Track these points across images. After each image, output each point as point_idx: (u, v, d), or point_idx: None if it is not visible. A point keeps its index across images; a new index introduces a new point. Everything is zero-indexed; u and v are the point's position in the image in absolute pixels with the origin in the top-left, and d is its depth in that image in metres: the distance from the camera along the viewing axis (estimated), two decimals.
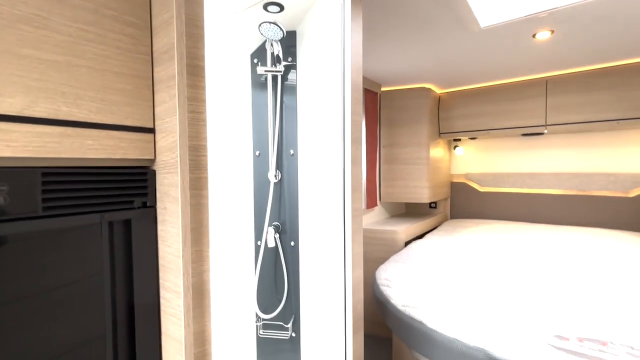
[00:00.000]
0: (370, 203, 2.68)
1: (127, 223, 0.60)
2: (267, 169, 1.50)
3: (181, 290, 0.59)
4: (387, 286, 1.65)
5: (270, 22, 1.16)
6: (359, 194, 1.23)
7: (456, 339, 1.15)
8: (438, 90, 2.88)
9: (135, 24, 0.59)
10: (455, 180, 3.20)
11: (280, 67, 1.38)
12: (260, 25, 1.15)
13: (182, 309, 0.59)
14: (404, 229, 2.48)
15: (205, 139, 0.63)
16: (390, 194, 2.85)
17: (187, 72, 0.59)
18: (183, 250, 0.58)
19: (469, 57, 2.08)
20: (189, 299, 0.60)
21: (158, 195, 0.63)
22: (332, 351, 1.17)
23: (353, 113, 1.14)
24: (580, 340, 1.10)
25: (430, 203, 3.10)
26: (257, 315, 1.30)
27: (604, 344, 1.09)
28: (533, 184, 2.81)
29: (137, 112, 0.60)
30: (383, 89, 2.81)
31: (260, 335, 1.44)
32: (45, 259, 0.51)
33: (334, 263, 1.21)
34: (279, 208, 1.45)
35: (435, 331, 1.23)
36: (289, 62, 1.37)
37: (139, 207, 0.61)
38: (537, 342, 1.08)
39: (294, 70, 1.40)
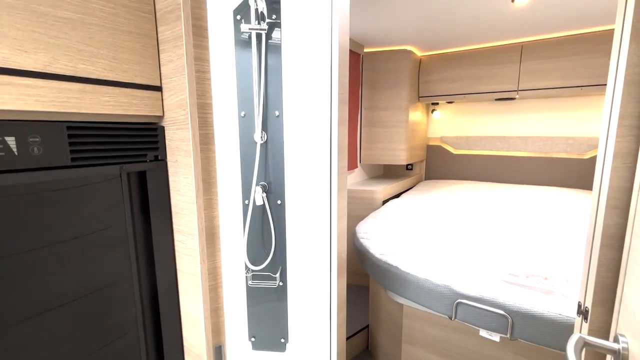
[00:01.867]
0: (351, 165, 2.80)
1: (142, 175, 0.67)
2: (252, 130, 1.55)
3: (196, 232, 0.68)
4: (366, 238, 1.82)
5: None
6: (344, 154, 1.33)
7: (426, 279, 1.33)
8: (419, 53, 2.93)
9: None
10: (431, 143, 3.37)
11: (264, 25, 1.39)
12: None
13: (197, 248, 0.68)
14: (381, 189, 2.64)
15: (210, 97, 0.69)
16: (370, 156, 2.98)
17: (192, 32, 0.63)
18: (197, 198, 0.66)
19: (450, 20, 2.13)
20: (203, 240, 0.69)
21: (168, 149, 0.69)
22: (317, 295, 1.34)
23: (340, 75, 1.19)
24: (527, 276, 1.32)
25: (406, 165, 3.27)
26: (246, 266, 1.43)
27: (545, 278, 1.30)
28: (502, 146, 3.02)
29: (145, 70, 0.64)
30: (365, 50, 2.82)
31: (250, 285, 1.58)
32: (75, 205, 0.58)
33: (320, 217, 1.33)
34: (265, 168, 1.53)
35: (408, 274, 1.42)
36: (273, 19, 1.39)
37: (151, 161, 0.68)
38: (493, 279, 1.29)
39: (279, 29, 1.42)
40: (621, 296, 0.72)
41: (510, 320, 1.12)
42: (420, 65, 2.97)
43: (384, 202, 2.71)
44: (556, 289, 1.19)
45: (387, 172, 3.50)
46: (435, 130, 3.36)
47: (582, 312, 0.87)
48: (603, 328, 0.80)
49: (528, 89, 2.54)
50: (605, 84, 2.30)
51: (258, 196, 1.58)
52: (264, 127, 1.64)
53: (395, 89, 2.80)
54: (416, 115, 3.01)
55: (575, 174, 2.76)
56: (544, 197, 2.46)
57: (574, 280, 1.24)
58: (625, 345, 0.53)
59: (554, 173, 2.86)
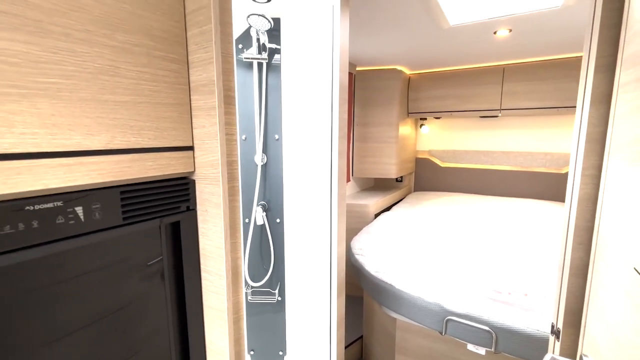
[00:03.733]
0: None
1: (177, 224, 0.77)
2: (253, 153, 1.66)
3: (224, 273, 0.78)
4: (361, 254, 1.95)
5: (258, 15, 1.28)
6: (344, 181, 1.45)
7: (419, 297, 1.47)
8: (408, 72, 3.09)
9: (177, 60, 0.72)
10: (419, 156, 3.54)
11: (265, 55, 1.49)
12: (248, 16, 1.26)
13: (224, 287, 0.79)
14: (373, 202, 2.78)
15: (236, 155, 0.79)
16: (362, 170, 3.12)
17: (224, 102, 0.74)
18: (225, 243, 0.77)
19: (437, 47, 2.29)
20: (229, 280, 0.80)
21: (198, 200, 0.79)
22: (315, 310, 1.45)
23: (341, 111, 1.31)
24: (509, 292, 1.47)
25: (396, 177, 3.42)
26: (246, 282, 1.53)
27: (525, 294, 1.46)
28: (486, 160, 3.21)
29: (181, 134, 0.74)
30: (357, 68, 2.96)
31: (250, 301, 1.68)
32: (126, 253, 0.67)
33: (320, 238, 1.45)
34: (264, 188, 1.64)
35: (402, 291, 1.55)
36: (273, 47, 1.49)
37: (183, 211, 0.78)
38: (479, 296, 1.43)
39: (279, 55, 1.53)
40: (585, 321, 0.87)
41: (494, 335, 1.26)
42: (409, 83, 3.13)
43: (376, 215, 2.85)
44: (535, 306, 1.34)
45: (378, 184, 3.65)
46: (423, 144, 3.54)
47: (555, 332, 1.02)
48: (572, 347, 0.95)
49: (509, 108, 2.74)
50: (574, 106, 2.51)
51: (259, 216, 1.69)
52: (264, 150, 1.76)
53: (386, 106, 2.95)
54: (405, 129, 3.17)
55: (553, 187, 2.98)
56: (525, 209, 2.66)
57: (551, 296, 1.40)
58: None
59: (533, 186, 3.07)
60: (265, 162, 1.72)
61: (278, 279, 1.77)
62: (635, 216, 0.58)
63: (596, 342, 0.76)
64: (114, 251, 0.66)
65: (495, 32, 1.97)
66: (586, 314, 0.85)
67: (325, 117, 1.38)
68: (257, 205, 1.66)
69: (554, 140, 2.94)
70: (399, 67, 2.93)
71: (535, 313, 1.30)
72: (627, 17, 0.68)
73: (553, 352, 0.99)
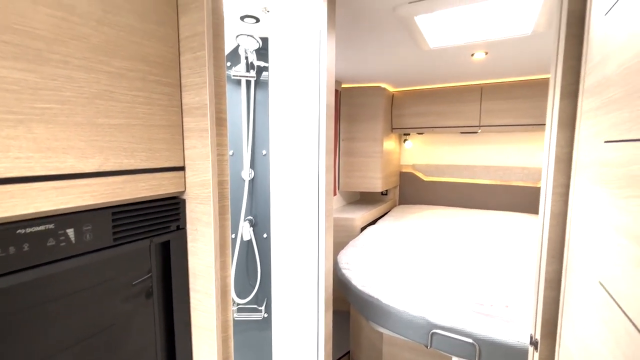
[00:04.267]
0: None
1: (167, 243, 0.78)
2: (240, 168, 1.67)
3: (213, 292, 0.79)
4: (348, 269, 1.97)
5: (247, 35, 1.32)
6: (331, 196, 1.48)
7: (405, 311, 1.49)
8: (391, 89, 3.20)
9: (170, 84, 0.74)
10: (403, 170, 3.63)
11: (253, 73, 1.53)
12: (237, 36, 1.29)
13: (213, 306, 0.79)
14: (360, 216, 2.82)
15: (227, 174, 0.81)
16: (348, 184, 3.17)
17: (215, 124, 0.77)
18: (215, 261, 0.78)
19: (419, 67, 2.40)
20: (218, 298, 0.80)
21: (188, 219, 0.81)
22: (302, 327, 1.45)
23: (327, 128, 1.35)
24: (491, 304, 1.51)
25: (382, 191, 3.49)
26: (233, 300, 1.52)
27: (506, 306, 1.50)
28: (467, 174, 3.33)
29: (173, 155, 0.76)
30: (343, 85, 3.05)
31: (236, 318, 1.67)
32: (114, 273, 0.68)
33: (308, 254, 1.47)
34: (251, 204, 1.65)
35: (388, 305, 1.57)
36: (261, 65, 1.53)
37: (173, 230, 0.79)
38: (463, 308, 1.47)
39: (266, 72, 1.57)
40: (560, 332, 0.91)
41: (477, 347, 1.30)
42: (393, 100, 3.24)
43: (362, 229, 2.89)
44: (515, 317, 1.39)
45: (363, 198, 3.70)
46: (407, 158, 3.64)
47: (533, 343, 1.06)
48: (550, 357, 1.00)
49: (488, 125, 2.87)
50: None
51: (246, 231, 1.69)
52: (252, 165, 1.78)
53: (371, 121, 3.04)
54: (390, 144, 3.26)
55: (529, 200, 3.11)
56: (504, 221, 2.76)
57: (530, 307, 1.45)
58: None
59: (512, 199, 3.20)
60: (252, 177, 1.74)
61: (264, 295, 1.76)
62: (598, 232, 0.64)
63: (571, 353, 0.80)
64: (102, 271, 0.66)
65: (472, 55, 2.09)
66: (561, 326, 0.90)
67: (312, 133, 1.41)
68: (244, 220, 1.67)
69: (530, 155, 3.09)
70: (383, 85, 3.04)
71: (516, 324, 1.34)
72: (587, 50, 0.75)
73: None
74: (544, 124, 2.68)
